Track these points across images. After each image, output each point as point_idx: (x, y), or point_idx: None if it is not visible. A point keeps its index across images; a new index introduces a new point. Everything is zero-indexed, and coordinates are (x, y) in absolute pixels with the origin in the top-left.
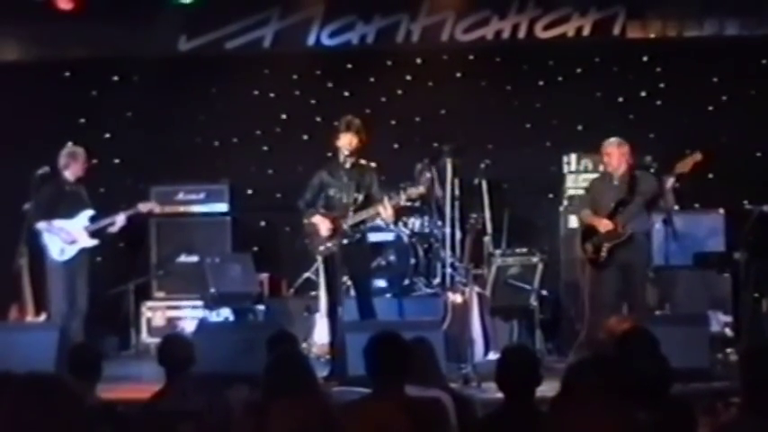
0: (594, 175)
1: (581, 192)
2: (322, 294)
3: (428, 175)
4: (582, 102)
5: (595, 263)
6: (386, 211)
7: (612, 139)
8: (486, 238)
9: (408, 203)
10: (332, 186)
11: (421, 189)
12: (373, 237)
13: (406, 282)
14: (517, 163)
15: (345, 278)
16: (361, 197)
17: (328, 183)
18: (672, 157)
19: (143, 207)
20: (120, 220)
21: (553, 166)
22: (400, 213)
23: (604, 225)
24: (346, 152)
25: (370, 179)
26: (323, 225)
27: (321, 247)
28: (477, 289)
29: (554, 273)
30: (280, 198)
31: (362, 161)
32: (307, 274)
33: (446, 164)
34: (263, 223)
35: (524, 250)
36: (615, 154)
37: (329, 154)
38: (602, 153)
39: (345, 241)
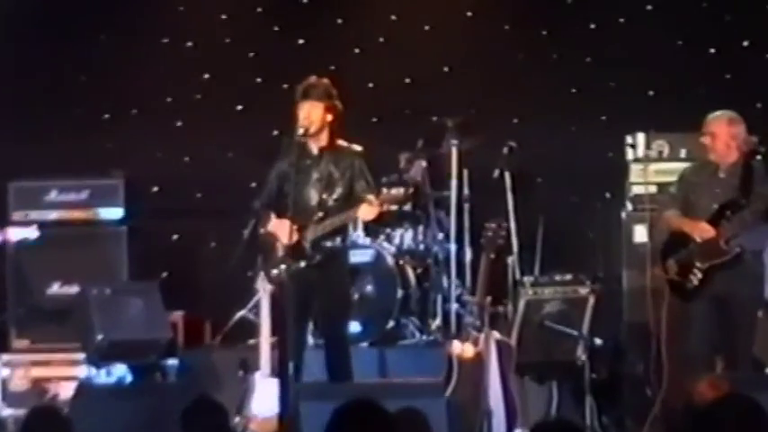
0: (686, 164)
1: (652, 189)
2: (265, 343)
3: (423, 164)
4: (655, 54)
5: (681, 290)
6: (370, 207)
7: (720, 114)
8: (511, 259)
9: (393, 207)
10: (295, 182)
11: (401, 192)
12: None
13: (391, 324)
14: (557, 146)
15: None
16: (332, 198)
17: (288, 177)
18: None
19: (12, 235)
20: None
21: (611, 152)
22: (382, 218)
23: (702, 230)
24: (311, 131)
25: (351, 170)
26: (282, 231)
27: (274, 271)
28: (496, 335)
29: (613, 310)
30: (201, 198)
31: (341, 143)
32: (242, 313)
33: (450, 148)
34: (175, 237)
35: (568, 277)
36: (723, 135)
37: (276, 133)
38: (704, 132)
39: (303, 264)
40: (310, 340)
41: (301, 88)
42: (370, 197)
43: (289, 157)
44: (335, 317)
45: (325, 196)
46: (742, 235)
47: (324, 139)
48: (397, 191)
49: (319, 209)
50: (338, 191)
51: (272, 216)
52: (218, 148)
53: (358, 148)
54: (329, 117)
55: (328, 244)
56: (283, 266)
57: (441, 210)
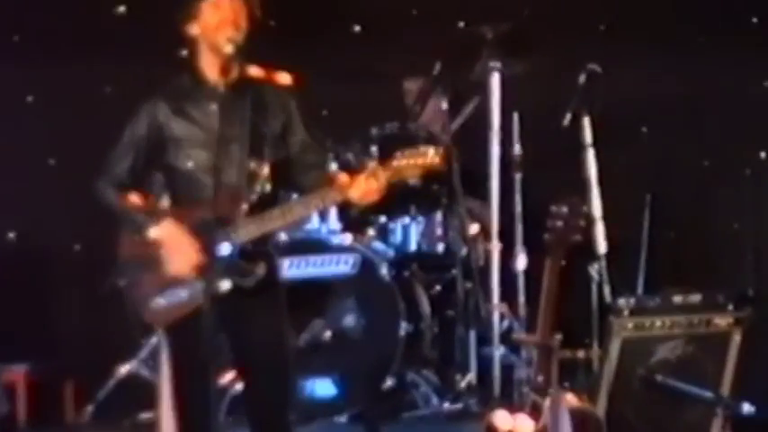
0: None
1: None
2: (167, 417)
3: (443, 104)
4: None
5: None
6: (372, 181)
7: None
8: (596, 269)
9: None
10: (185, 141)
11: (428, 154)
12: (305, 269)
13: (389, 382)
14: (671, 72)
15: (230, 374)
16: (263, 167)
17: (175, 133)
18: None
19: None
20: None
21: (767, 80)
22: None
23: None
24: (227, 49)
25: (285, 118)
26: (179, 248)
27: (160, 301)
28: (572, 400)
29: None
30: (55, 168)
31: (257, 71)
32: (129, 367)
33: (489, 75)
34: (12, 235)
35: (695, 298)
36: None
37: (185, 53)
38: None
39: (228, 285)
40: None
41: None
42: (373, 165)
43: (170, 95)
44: (272, 370)
45: (253, 165)
46: None
47: (236, 65)
48: (422, 151)
49: (251, 186)
50: (268, 152)
51: (158, 211)
52: (86, 77)
53: (288, 78)
54: (248, 26)
55: (266, 247)
56: (184, 293)
57: (473, 184)
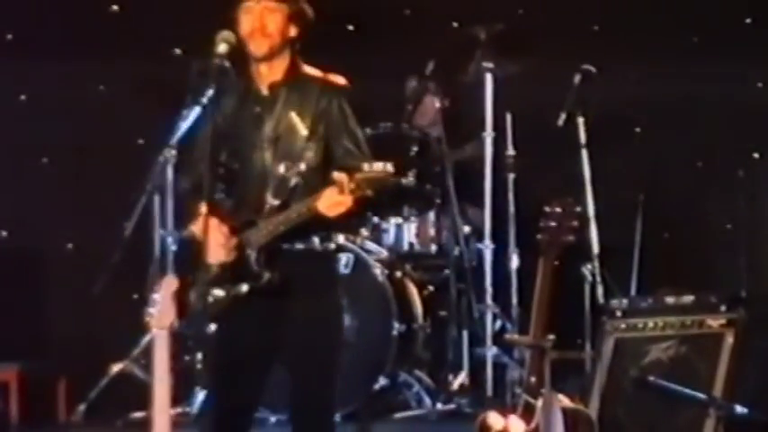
0: None
1: None
2: (162, 416)
3: (436, 103)
4: None
5: None
6: (337, 196)
7: None
8: (589, 269)
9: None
10: (234, 144)
11: (385, 168)
12: None
13: (382, 382)
14: (665, 71)
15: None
16: (297, 171)
17: (228, 135)
18: None
19: None
20: None
21: (760, 82)
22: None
23: None
24: (261, 53)
25: (329, 120)
26: (213, 237)
27: (192, 295)
28: (564, 401)
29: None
30: (47, 165)
31: (310, 71)
32: (122, 366)
33: (482, 75)
34: (4, 233)
35: (687, 299)
36: None
37: (178, 51)
38: None
39: (245, 288)
40: (271, 418)
41: None
42: (341, 177)
43: (228, 100)
44: (311, 376)
45: (283, 169)
46: None
47: (280, 67)
48: (380, 165)
49: (277, 191)
50: (308, 156)
51: (201, 211)
52: (80, 75)
53: (340, 80)
54: (293, 31)
55: (299, 246)
56: (214, 292)
57: (466, 184)
